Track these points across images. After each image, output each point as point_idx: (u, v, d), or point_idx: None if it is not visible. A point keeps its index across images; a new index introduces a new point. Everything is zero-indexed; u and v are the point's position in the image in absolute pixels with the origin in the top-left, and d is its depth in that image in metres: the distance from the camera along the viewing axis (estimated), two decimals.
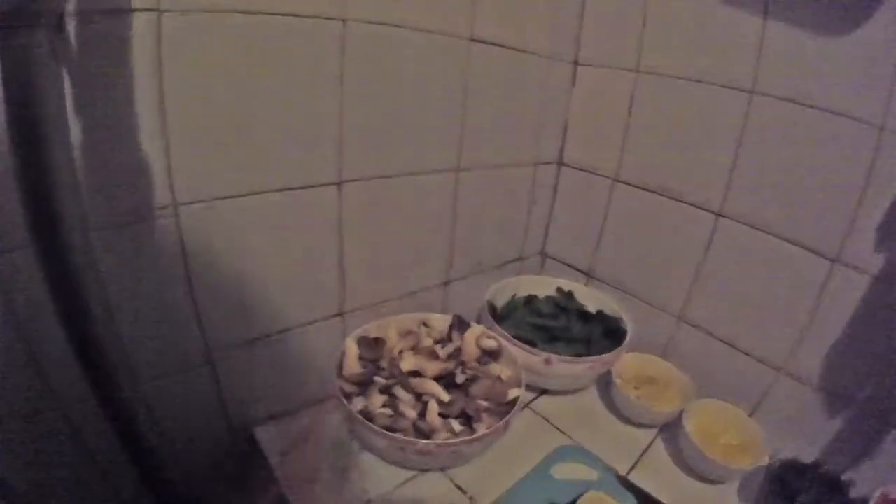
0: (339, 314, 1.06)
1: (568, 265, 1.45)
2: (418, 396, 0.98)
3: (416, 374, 1.01)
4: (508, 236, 1.36)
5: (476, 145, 1.12)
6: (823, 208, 0.97)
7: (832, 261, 0.98)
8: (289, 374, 1.02)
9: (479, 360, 1.08)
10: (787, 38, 0.94)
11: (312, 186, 0.90)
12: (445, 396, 0.96)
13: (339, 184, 0.93)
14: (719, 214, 1.11)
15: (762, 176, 1.04)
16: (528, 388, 1.17)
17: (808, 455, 1.05)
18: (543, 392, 1.21)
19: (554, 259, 1.48)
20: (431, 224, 1.13)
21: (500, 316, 1.26)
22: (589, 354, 1.16)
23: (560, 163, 1.36)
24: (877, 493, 0.90)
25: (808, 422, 1.08)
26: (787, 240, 1.03)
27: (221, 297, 0.87)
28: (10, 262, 0.64)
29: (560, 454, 1.03)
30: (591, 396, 1.23)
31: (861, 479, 0.99)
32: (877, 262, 0.93)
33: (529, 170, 1.29)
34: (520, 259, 1.42)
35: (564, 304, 1.31)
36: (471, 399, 0.97)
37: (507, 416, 0.94)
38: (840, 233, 0.95)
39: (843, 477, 1.00)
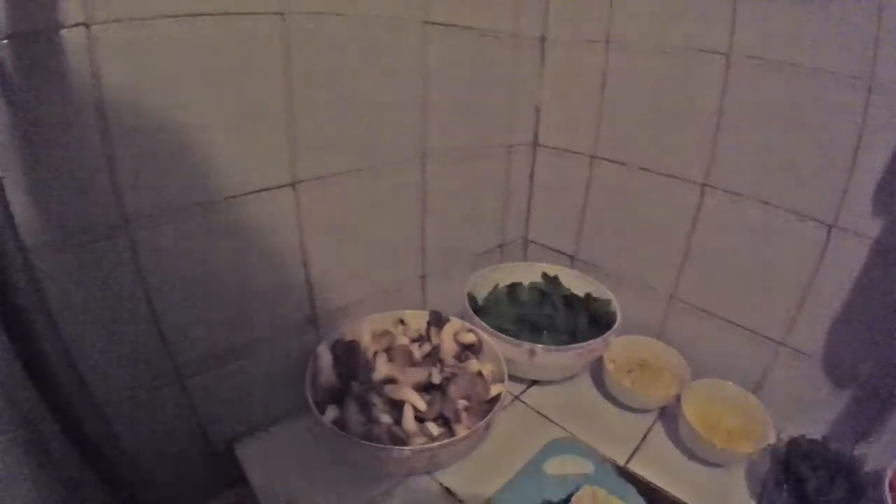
0: (312, 320, 1.01)
1: (552, 249, 1.39)
2: (394, 401, 0.93)
3: (391, 380, 0.95)
4: (486, 224, 1.30)
5: (442, 132, 1.06)
6: (816, 171, 0.92)
7: (829, 226, 0.93)
8: (266, 386, 0.98)
9: (458, 357, 1.03)
10: None
11: (265, 190, 0.85)
12: (422, 404, 0.91)
13: (293, 185, 0.88)
14: (705, 185, 1.06)
15: (747, 141, 0.99)
16: (517, 379, 1.14)
17: (814, 431, 1.01)
18: (534, 383, 1.16)
19: (537, 244, 1.43)
20: (399, 217, 1.08)
21: (481, 308, 1.21)
22: (575, 342, 1.11)
23: (536, 144, 1.30)
24: (893, 467, 0.86)
25: (812, 398, 1.04)
26: (779, 207, 0.98)
27: (185, 312, 0.83)
28: None
29: (553, 448, 0.98)
30: (585, 384, 1.19)
31: (872, 454, 0.95)
32: (877, 226, 0.88)
33: (503, 154, 1.24)
34: (501, 246, 1.37)
35: (549, 290, 1.26)
36: (449, 400, 0.92)
37: (488, 416, 0.89)
38: (836, 196, 0.90)
39: (854, 453, 0.96)
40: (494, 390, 0.96)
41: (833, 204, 0.91)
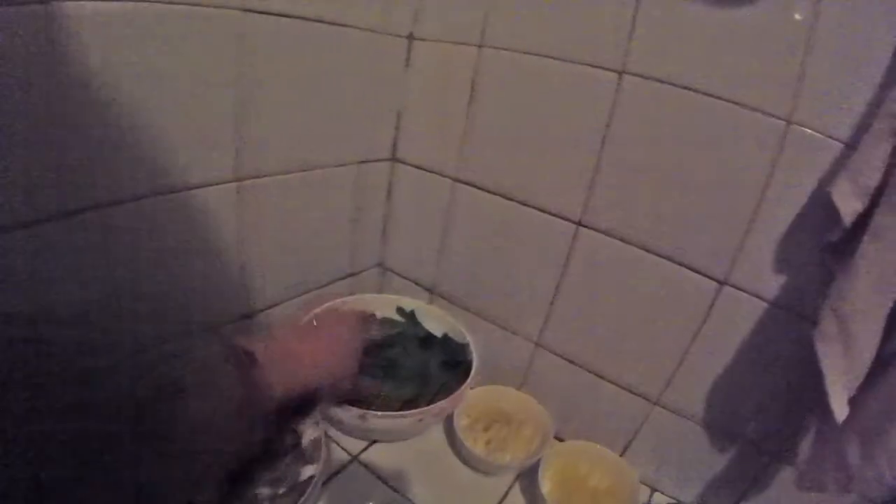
0: None
1: (411, 280, 1.23)
2: None
3: None
4: (331, 250, 1.11)
5: (267, 146, 0.86)
6: (711, 219, 0.81)
7: (720, 282, 0.83)
8: None
9: None
10: (668, 3, 0.76)
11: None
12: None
13: (68, 214, 0.66)
14: (580, 224, 0.94)
15: (633, 177, 0.86)
16: (357, 437, 0.99)
17: (689, 493, 0.97)
18: (376, 440, 1.00)
19: (395, 273, 1.26)
20: (208, 247, 0.86)
21: None
22: (425, 391, 0.97)
23: (394, 159, 1.13)
24: None
25: (687, 460, 0.96)
26: (664, 255, 0.87)
27: None
28: None
29: None
30: (435, 439, 1.04)
31: None
32: (774, 284, 0.79)
33: (353, 169, 1.05)
34: (352, 275, 1.18)
35: (403, 329, 1.10)
36: (248, 488, 0.74)
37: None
38: (731, 248, 0.80)
39: None
40: (306, 472, 0.79)
41: (727, 257, 0.81)
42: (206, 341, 0.57)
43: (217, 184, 0.81)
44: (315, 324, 0.78)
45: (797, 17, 0.68)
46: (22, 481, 0.37)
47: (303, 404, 0.65)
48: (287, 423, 0.72)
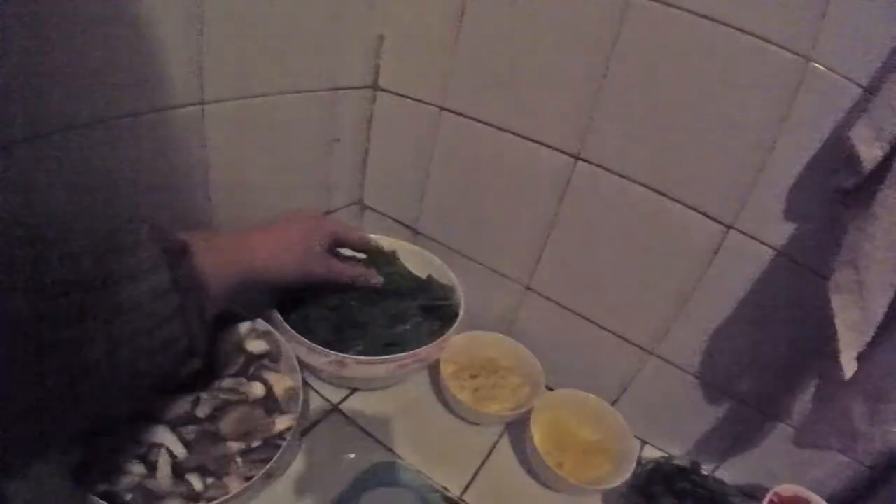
0: None
1: (392, 219, 1.15)
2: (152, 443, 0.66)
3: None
4: (306, 185, 1.02)
5: (231, 67, 0.75)
6: (721, 157, 0.75)
7: (727, 226, 0.77)
8: None
9: (245, 372, 0.78)
10: None
11: None
12: (180, 449, 0.66)
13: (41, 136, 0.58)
14: (579, 158, 0.86)
15: (638, 109, 0.78)
16: (337, 385, 0.93)
17: (679, 447, 0.96)
18: (356, 389, 0.94)
19: (375, 211, 1.17)
20: (172, 181, 0.76)
21: (294, 297, 0.92)
22: (406, 340, 0.89)
23: (375, 87, 1.02)
24: (769, 493, 0.83)
25: (681, 413, 0.95)
26: (669, 196, 0.81)
27: None
28: None
29: (371, 477, 0.80)
30: (420, 387, 0.99)
31: (736, 474, 0.93)
32: (783, 232, 0.74)
33: (328, 97, 0.94)
34: (329, 213, 1.09)
35: (384, 270, 1.01)
36: (217, 442, 0.68)
37: (268, 465, 0.65)
38: (741, 191, 0.74)
39: (719, 470, 0.94)
40: (281, 424, 0.72)
41: (735, 199, 0.75)
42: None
43: (180, 107, 0.72)
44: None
45: None
46: None
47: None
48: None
